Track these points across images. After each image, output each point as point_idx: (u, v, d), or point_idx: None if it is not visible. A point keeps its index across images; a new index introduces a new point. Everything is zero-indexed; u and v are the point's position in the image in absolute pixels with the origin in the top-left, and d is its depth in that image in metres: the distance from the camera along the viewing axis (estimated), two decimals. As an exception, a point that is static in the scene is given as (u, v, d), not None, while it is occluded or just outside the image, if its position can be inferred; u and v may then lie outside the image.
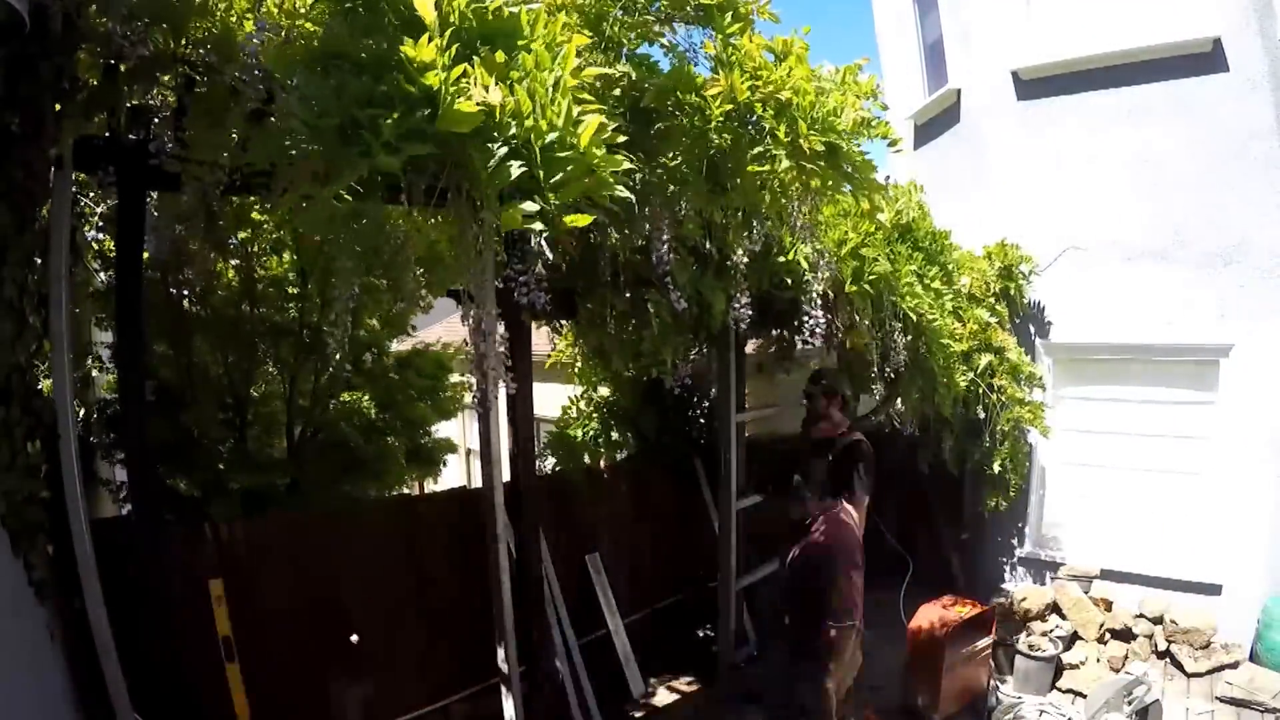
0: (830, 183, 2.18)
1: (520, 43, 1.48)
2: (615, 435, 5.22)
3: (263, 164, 1.55)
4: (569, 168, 1.37)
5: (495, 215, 1.38)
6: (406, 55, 1.31)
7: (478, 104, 1.31)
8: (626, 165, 1.52)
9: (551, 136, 1.36)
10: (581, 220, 1.44)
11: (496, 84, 1.35)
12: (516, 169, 1.34)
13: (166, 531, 2.63)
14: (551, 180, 1.36)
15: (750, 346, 5.08)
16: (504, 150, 1.35)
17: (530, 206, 1.35)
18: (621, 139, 1.60)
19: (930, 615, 4.09)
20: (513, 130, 1.35)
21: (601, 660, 4.21)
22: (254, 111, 1.64)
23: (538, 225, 1.35)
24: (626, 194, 1.55)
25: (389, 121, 1.29)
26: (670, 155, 2.15)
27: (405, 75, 1.32)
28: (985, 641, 4.18)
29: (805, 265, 3.11)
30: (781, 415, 5.49)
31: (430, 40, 1.32)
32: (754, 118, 2.08)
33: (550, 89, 1.39)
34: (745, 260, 2.81)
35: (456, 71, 1.33)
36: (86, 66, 1.80)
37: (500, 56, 1.40)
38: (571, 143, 1.37)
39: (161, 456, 3.09)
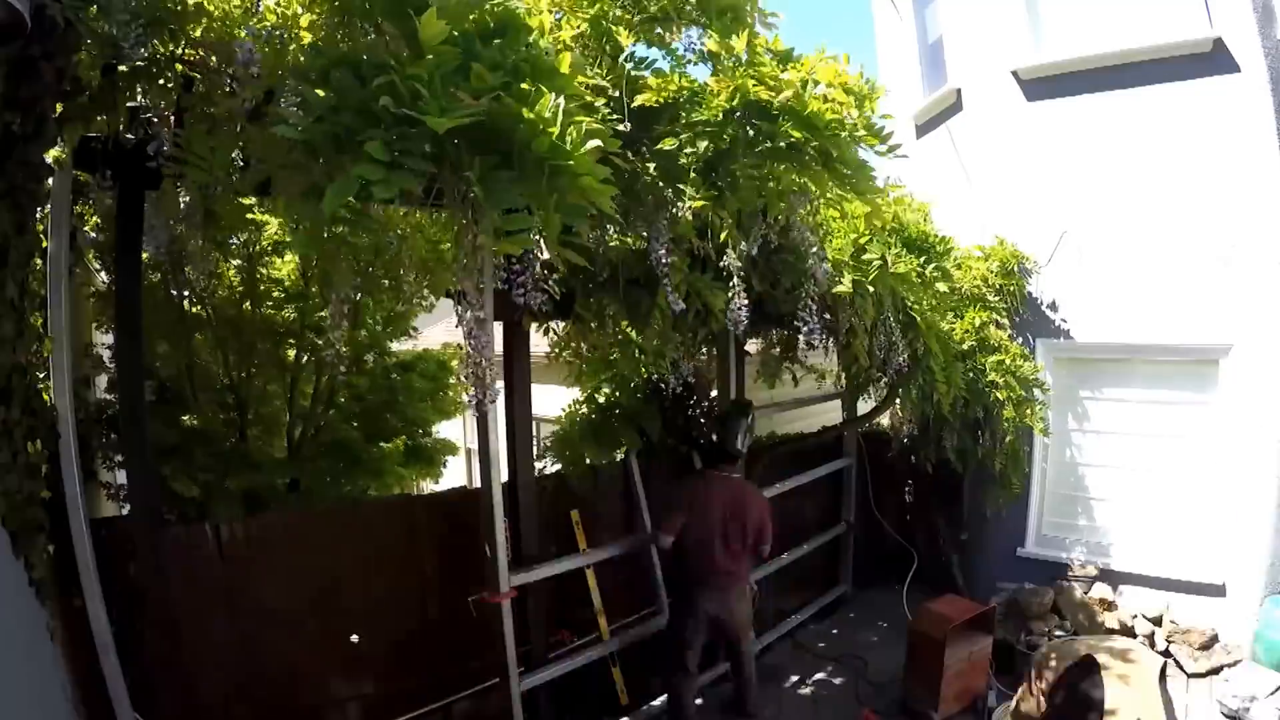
0: (828, 185, 2.18)
1: (524, 42, 1.46)
2: (616, 435, 5.20)
3: (259, 180, 1.55)
4: (562, 179, 1.35)
5: (494, 235, 1.37)
6: (405, 70, 1.27)
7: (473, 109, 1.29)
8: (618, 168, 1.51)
9: (547, 148, 1.33)
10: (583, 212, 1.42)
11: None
12: (516, 194, 1.33)
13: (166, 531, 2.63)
14: (548, 193, 1.34)
15: (752, 347, 5.07)
16: (505, 172, 1.33)
17: (526, 221, 1.34)
18: (616, 145, 1.58)
19: (930, 615, 4.09)
20: (510, 138, 1.33)
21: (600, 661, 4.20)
22: (252, 112, 1.65)
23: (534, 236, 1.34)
24: (617, 193, 1.54)
25: (380, 139, 1.26)
26: (668, 155, 2.15)
27: (401, 92, 1.28)
28: (985, 642, 4.18)
29: (805, 266, 3.10)
30: (781, 415, 5.49)
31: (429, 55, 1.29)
32: (752, 120, 2.08)
33: (549, 96, 1.36)
34: (743, 261, 2.80)
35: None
36: (87, 67, 1.81)
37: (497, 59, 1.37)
38: (567, 155, 1.35)
39: (161, 456, 3.09)
